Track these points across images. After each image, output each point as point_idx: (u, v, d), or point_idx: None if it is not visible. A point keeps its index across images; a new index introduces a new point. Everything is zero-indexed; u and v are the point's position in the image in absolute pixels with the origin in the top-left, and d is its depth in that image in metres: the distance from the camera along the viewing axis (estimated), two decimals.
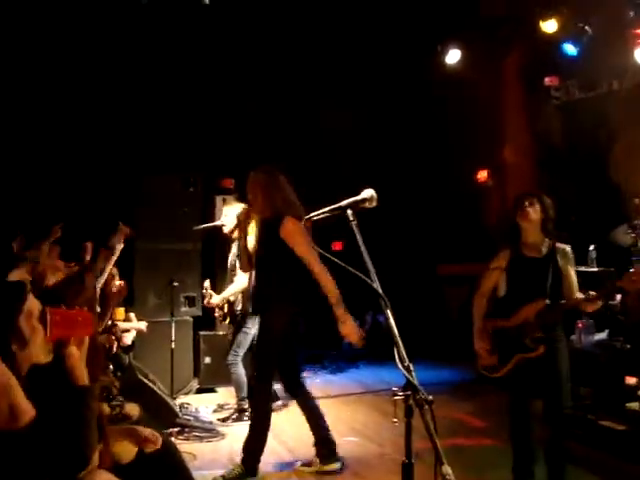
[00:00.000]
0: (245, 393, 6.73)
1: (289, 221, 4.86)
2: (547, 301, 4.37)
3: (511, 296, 4.58)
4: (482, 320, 4.59)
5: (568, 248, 4.56)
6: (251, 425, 5.12)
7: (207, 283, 6.97)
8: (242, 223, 5.39)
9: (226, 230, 6.82)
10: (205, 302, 6.97)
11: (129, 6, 7.06)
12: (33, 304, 2.48)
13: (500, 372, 4.48)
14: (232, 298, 6.79)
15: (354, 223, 2.47)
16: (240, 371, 6.68)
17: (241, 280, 6.63)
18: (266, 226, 5.04)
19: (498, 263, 4.63)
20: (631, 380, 5.78)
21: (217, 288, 7.12)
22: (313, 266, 4.79)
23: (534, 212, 4.50)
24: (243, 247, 5.36)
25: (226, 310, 6.89)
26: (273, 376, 5.16)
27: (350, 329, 4.76)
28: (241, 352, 6.70)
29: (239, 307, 6.80)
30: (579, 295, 4.42)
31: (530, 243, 4.53)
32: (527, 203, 4.50)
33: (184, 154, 8.78)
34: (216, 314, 7.03)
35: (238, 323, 6.75)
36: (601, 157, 8.06)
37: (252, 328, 6.70)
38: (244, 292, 6.67)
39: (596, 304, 4.34)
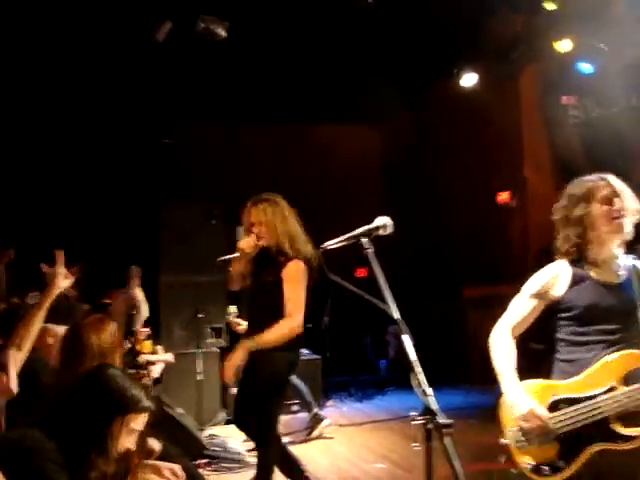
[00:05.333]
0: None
1: (294, 264, 4.42)
2: None
3: (576, 343, 2.96)
4: (514, 367, 2.99)
5: None
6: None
7: (234, 308, 6.95)
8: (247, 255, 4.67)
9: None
10: (239, 329, 6.90)
11: (148, 45, 7.19)
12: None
13: (562, 474, 2.79)
14: None
15: (370, 251, 2.49)
16: None
17: None
18: (269, 260, 4.55)
19: (543, 288, 3.03)
20: None
21: (243, 318, 7.15)
22: (293, 310, 4.36)
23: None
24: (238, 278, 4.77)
25: None
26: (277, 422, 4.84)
27: (231, 365, 4.41)
28: None
29: None
30: None
31: (601, 261, 2.97)
32: (617, 201, 2.89)
33: (205, 185, 8.89)
34: None
35: None
36: (622, 173, 8.02)
37: None
38: None
39: None
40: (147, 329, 6.71)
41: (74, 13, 6.97)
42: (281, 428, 6.99)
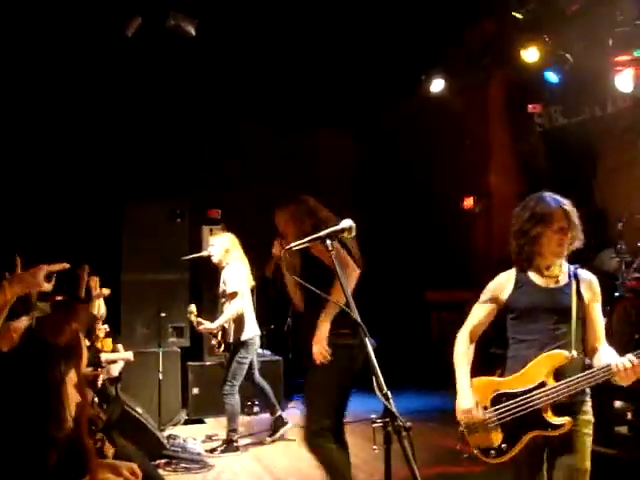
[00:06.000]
0: (237, 425, 6.71)
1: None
2: (573, 353, 3.21)
3: (519, 341, 3.39)
4: (468, 368, 3.46)
5: (594, 279, 3.42)
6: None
7: (193, 307, 6.91)
8: (282, 261, 4.58)
9: (215, 260, 6.86)
10: (201, 328, 6.87)
11: (114, 38, 7.10)
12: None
13: (506, 456, 3.28)
14: (226, 325, 6.78)
15: (333, 253, 2.49)
16: (235, 402, 6.64)
17: (234, 306, 6.64)
18: (304, 256, 4.44)
19: (494, 293, 3.49)
20: (620, 404, 5.77)
21: (206, 317, 7.12)
22: (348, 268, 4.25)
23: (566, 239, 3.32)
24: (292, 285, 4.62)
25: (220, 338, 6.88)
26: (332, 417, 4.64)
27: (319, 339, 4.27)
28: (237, 382, 6.68)
29: (231, 336, 6.77)
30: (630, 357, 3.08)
31: (544, 268, 3.38)
32: (564, 224, 3.29)
33: (170, 184, 8.82)
34: (213, 342, 6.97)
35: (231, 352, 6.75)
36: (585, 182, 8.15)
37: (246, 357, 6.72)
38: (236, 320, 6.70)
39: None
40: (105, 326, 6.63)
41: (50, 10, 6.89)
42: (241, 429, 7.03)
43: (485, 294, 3.53)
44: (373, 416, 2.15)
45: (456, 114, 9.41)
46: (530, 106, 8.79)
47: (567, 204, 3.35)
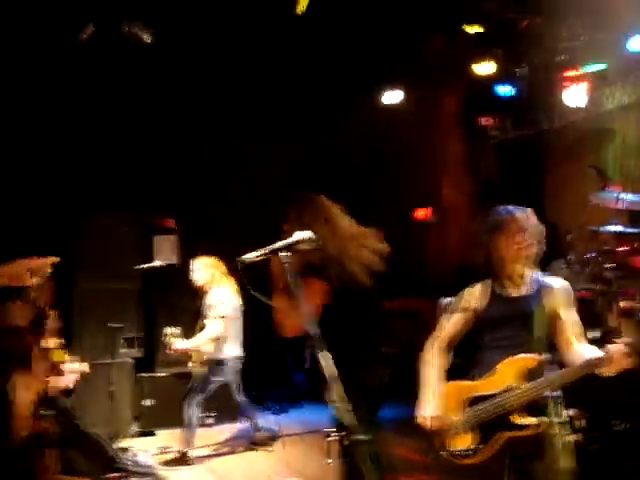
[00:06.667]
0: (191, 437, 6.65)
1: None
2: (543, 356, 3.33)
3: (486, 348, 3.53)
4: (440, 379, 3.56)
5: (560, 286, 3.49)
6: None
7: (171, 330, 6.83)
8: None
9: (198, 283, 6.82)
10: (168, 348, 6.80)
11: (70, 44, 7.00)
12: None
13: (478, 457, 3.35)
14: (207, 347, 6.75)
15: (288, 265, 2.47)
16: (192, 413, 6.59)
17: (212, 330, 6.60)
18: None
19: (468, 303, 3.62)
20: (572, 412, 5.84)
21: (161, 329, 7.04)
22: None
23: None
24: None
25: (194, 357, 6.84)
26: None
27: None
28: (199, 397, 6.65)
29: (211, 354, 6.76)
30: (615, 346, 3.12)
31: (506, 277, 3.53)
32: (520, 235, 3.47)
33: (123, 192, 8.70)
34: (190, 364, 6.91)
35: (208, 369, 6.72)
36: (535, 194, 8.29)
37: (218, 376, 6.71)
38: (215, 341, 6.69)
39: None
40: (56, 339, 6.51)
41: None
42: (197, 441, 6.95)
43: (456, 304, 3.68)
44: (328, 429, 2.14)
45: (410, 125, 9.48)
46: (483, 119, 8.93)
47: (519, 212, 3.52)
